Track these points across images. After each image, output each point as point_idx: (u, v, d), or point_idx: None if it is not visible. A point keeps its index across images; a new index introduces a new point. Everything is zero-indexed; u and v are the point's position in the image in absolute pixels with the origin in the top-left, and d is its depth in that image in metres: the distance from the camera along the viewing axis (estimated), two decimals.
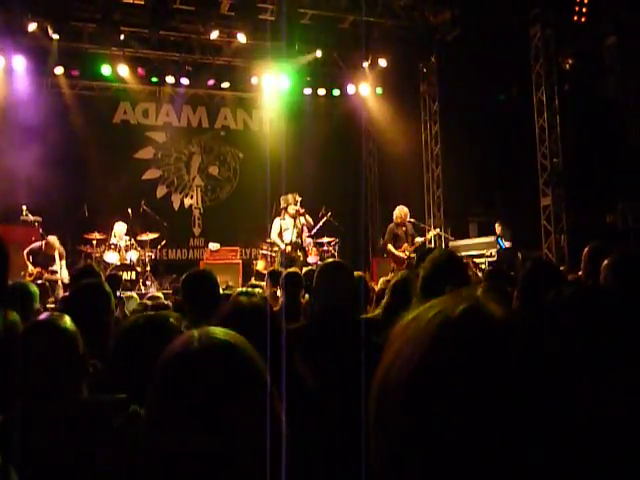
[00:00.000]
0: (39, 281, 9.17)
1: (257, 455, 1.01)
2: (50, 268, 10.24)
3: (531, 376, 0.71)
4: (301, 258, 10.64)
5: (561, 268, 6.71)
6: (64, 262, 10.55)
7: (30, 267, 10.13)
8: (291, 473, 1.12)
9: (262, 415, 1.03)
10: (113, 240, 11.31)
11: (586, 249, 4.12)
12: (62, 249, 10.59)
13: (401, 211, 10.71)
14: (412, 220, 10.90)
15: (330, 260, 3.52)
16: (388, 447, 0.75)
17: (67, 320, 2.02)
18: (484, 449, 0.68)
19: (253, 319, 2.07)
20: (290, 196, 10.81)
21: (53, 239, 10.37)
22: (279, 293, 6.30)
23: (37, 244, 10.33)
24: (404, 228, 10.74)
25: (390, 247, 10.64)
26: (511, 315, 0.77)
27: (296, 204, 10.76)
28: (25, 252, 10.24)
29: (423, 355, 0.73)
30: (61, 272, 10.32)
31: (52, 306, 6.92)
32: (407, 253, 10.50)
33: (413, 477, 0.73)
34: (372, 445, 0.77)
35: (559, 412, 0.71)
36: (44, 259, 10.29)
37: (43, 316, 2.09)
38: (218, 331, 1.12)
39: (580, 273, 4.33)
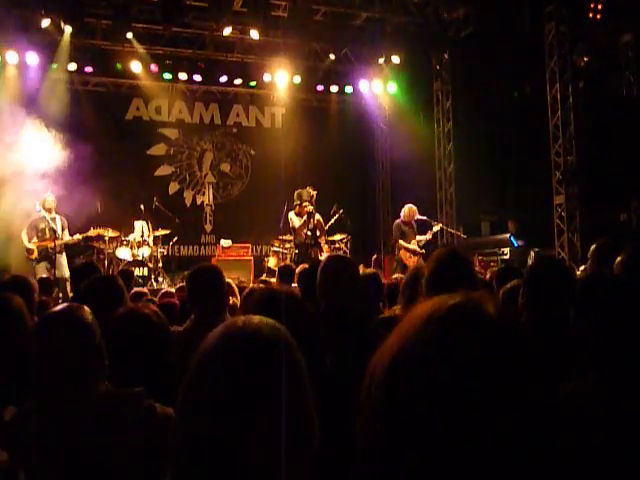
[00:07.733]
0: (44, 275, 9.20)
1: (287, 436, 1.06)
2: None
3: (504, 378, 0.73)
4: (312, 255, 10.60)
5: (582, 268, 6.65)
6: (67, 232, 10.48)
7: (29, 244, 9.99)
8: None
9: (297, 397, 1.11)
10: (132, 236, 11.37)
11: (593, 246, 4.09)
12: (64, 219, 10.47)
13: (410, 210, 10.65)
14: (421, 217, 10.84)
15: (332, 254, 3.45)
16: (370, 431, 0.79)
17: (85, 311, 2.00)
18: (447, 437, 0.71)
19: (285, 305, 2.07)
20: (304, 191, 10.73)
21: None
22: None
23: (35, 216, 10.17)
24: (410, 226, 10.69)
25: (402, 242, 10.60)
26: (503, 315, 0.79)
27: (310, 199, 10.68)
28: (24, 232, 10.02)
29: (405, 345, 0.77)
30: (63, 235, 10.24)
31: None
32: (417, 249, 10.48)
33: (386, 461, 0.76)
34: (357, 425, 0.81)
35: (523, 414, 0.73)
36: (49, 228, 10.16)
37: (60, 307, 2.07)
38: (259, 319, 1.21)
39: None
